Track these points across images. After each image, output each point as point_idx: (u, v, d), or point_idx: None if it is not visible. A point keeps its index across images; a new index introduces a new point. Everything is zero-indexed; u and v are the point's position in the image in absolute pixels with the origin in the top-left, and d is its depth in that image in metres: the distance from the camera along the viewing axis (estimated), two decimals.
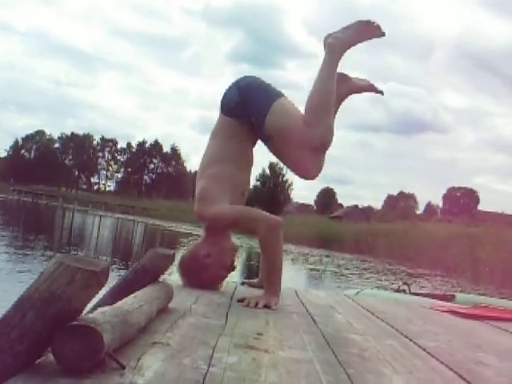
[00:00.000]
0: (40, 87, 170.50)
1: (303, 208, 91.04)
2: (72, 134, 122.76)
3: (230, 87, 3.54)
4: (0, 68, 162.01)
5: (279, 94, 3.47)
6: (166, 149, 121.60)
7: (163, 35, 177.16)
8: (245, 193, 3.55)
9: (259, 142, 3.57)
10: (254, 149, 3.61)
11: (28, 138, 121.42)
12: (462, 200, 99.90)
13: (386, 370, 1.81)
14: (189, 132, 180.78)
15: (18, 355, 1.27)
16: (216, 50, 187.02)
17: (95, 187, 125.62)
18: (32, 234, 19.27)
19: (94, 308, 1.88)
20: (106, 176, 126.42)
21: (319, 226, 42.82)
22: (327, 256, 27.72)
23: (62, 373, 1.28)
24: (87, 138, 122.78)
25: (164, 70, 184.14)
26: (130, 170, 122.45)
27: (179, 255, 3.35)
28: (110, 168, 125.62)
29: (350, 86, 3.69)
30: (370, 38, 3.51)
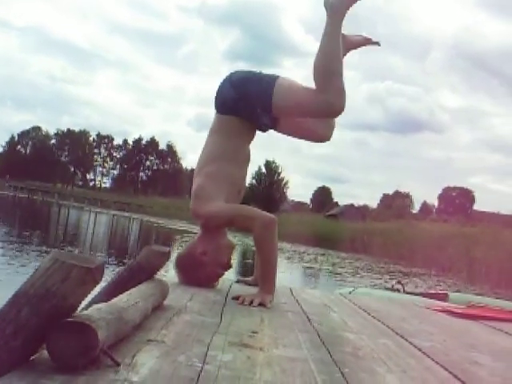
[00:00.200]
0: (36, 83, 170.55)
1: (299, 206, 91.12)
2: (68, 130, 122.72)
3: (222, 85, 3.51)
4: None
5: (275, 76, 3.45)
6: (163, 146, 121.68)
7: (160, 32, 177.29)
8: (241, 191, 3.56)
9: (258, 137, 3.57)
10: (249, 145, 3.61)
11: (24, 134, 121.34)
12: (457, 200, 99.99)
13: (380, 368, 1.81)
14: (185, 129, 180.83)
15: (13, 351, 1.26)
16: (213, 48, 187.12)
17: (91, 184, 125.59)
18: (27, 230, 19.24)
19: (89, 305, 1.88)
20: (102, 173, 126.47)
21: (315, 224, 42.89)
22: (322, 254, 27.73)
23: (56, 369, 1.28)
24: (83, 134, 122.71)
25: (161, 67, 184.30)
26: (126, 166, 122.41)
27: (175, 253, 3.35)
28: (105, 165, 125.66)
29: (346, 44, 3.65)
30: None
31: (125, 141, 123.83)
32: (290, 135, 3.72)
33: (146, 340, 1.71)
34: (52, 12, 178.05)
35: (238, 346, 1.85)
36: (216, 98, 3.53)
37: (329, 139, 3.75)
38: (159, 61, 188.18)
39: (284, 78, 3.46)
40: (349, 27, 3.54)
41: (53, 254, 1.32)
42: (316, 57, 3.37)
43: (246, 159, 3.61)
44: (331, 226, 42.77)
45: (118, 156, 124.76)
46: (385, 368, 1.83)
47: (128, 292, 1.97)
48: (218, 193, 3.31)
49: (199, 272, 3.32)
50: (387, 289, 6.44)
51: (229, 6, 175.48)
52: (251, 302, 2.91)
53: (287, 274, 14.90)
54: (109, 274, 2.38)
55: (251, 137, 3.56)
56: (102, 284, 2.23)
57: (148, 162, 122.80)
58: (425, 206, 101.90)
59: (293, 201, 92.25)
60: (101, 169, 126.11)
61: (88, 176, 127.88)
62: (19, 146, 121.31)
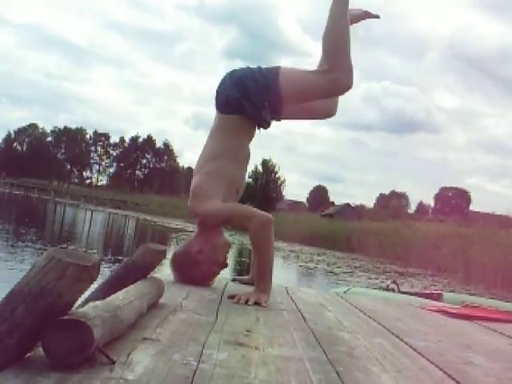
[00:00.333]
0: (33, 80, 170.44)
1: (295, 205, 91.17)
2: (65, 127, 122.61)
3: (222, 85, 3.50)
4: None
5: (276, 67, 3.46)
6: (159, 144, 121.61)
7: (157, 30, 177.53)
8: (240, 190, 3.55)
9: (255, 135, 3.58)
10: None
11: (20, 131, 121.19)
12: (453, 200, 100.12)
13: (375, 368, 1.81)
14: (182, 127, 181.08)
15: (8, 349, 1.26)
16: (210, 46, 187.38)
17: (87, 181, 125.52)
18: (23, 227, 19.23)
19: (85, 302, 1.88)
20: (99, 170, 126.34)
21: (311, 223, 42.93)
22: (318, 254, 27.75)
23: (51, 367, 1.28)
24: (80, 131, 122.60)
25: (158, 65, 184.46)
26: (122, 164, 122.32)
27: (170, 251, 3.35)
28: (102, 162, 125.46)
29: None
30: None
31: (121, 138, 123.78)
32: (296, 119, 3.75)
33: (141, 338, 1.71)
34: (49, 9, 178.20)
35: (234, 344, 1.85)
36: (217, 97, 3.52)
37: (335, 114, 3.82)
38: (156, 59, 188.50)
39: (284, 67, 3.47)
40: None
41: (49, 252, 1.32)
42: (324, 35, 3.38)
43: (246, 158, 3.61)
44: (327, 226, 42.80)
45: (115, 154, 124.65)
46: (380, 367, 1.83)
47: (124, 290, 1.97)
48: (216, 191, 3.30)
49: (195, 270, 3.32)
50: (382, 288, 6.45)
51: (226, 5, 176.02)
52: (247, 301, 2.91)
53: (283, 272, 14.92)
54: (105, 272, 2.38)
55: (252, 135, 3.56)
56: (98, 282, 2.23)
57: (144, 160, 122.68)
58: (421, 206, 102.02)
59: (289, 200, 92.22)
60: (97, 166, 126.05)
61: (84, 174, 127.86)
62: (15, 144, 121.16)
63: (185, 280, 3.32)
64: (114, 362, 1.39)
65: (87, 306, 1.49)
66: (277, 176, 69.70)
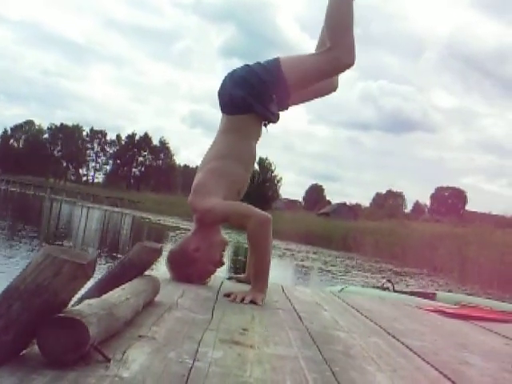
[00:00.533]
0: (30, 77, 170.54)
1: (291, 204, 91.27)
2: (61, 124, 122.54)
3: (224, 86, 3.50)
4: None
5: (276, 58, 3.47)
6: (156, 142, 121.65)
7: (155, 28, 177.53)
8: (241, 191, 3.53)
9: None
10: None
11: (17, 128, 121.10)
12: (450, 200, 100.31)
13: (370, 367, 1.81)
14: (179, 126, 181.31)
15: (3, 346, 1.26)
16: (207, 44, 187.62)
17: (84, 179, 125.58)
18: (19, 224, 19.21)
19: (81, 300, 1.88)
20: (95, 168, 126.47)
21: (307, 222, 42.95)
22: (314, 253, 27.76)
23: (46, 364, 1.28)
24: (76, 129, 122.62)
25: (155, 63, 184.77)
26: (118, 162, 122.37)
27: (166, 249, 3.35)
28: (98, 160, 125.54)
29: None
30: None
31: (118, 136, 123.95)
32: (301, 102, 3.76)
33: (136, 336, 1.71)
34: (47, 6, 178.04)
35: (229, 343, 1.84)
36: (220, 99, 3.52)
37: (337, 88, 3.86)
38: (153, 56, 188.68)
39: (283, 56, 3.48)
40: None
41: (44, 249, 1.32)
42: (327, 11, 3.39)
43: (252, 160, 3.60)
44: (323, 225, 42.85)
45: (111, 151, 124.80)
46: (375, 367, 1.83)
47: (119, 288, 1.96)
48: (217, 189, 3.30)
49: (191, 268, 3.31)
50: (377, 287, 6.46)
51: (224, 3, 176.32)
52: (243, 300, 2.90)
53: (279, 271, 14.92)
54: (100, 270, 2.37)
55: (259, 134, 3.56)
56: (94, 279, 2.23)
57: (141, 158, 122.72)
58: (417, 206, 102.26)
59: (286, 199, 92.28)
60: (94, 164, 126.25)
61: (81, 171, 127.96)
62: (12, 140, 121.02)
63: (181, 278, 3.32)
64: (109, 360, 1.39)
65: (83, 304, 1.49)
66: (273, 175, 69.75)
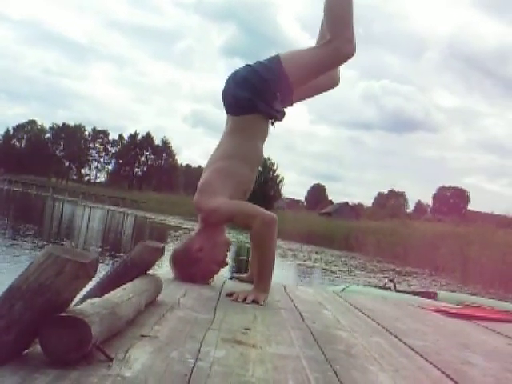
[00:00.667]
0: (31, 76, 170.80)
1: (293, 204, 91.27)
2: (63, 124, 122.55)
3: (228, 88, 3.49)
4: None
5: (276, 55, 3.46)
6: (158, 141, 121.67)
7: (156, 28, 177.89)
8: (247, 192, 3.52)
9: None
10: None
11: (19, 128, 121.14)
12: (452, 199, 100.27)
13: (372, 367, 1.81)
14: (181, 125, 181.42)
15: (5, 346, 1.26)
16: (209, 44, 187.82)
17: (86, 178, 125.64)
18: (21, 224, 19.22)
19: (83, 299, 1.88)
20: (97, 167, 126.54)
21: (309, 222, 42.91)
22: (316, 252, 27.76)
23: (49, 364, 1.28)
24: (78, 128, 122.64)
25: (157, 63, 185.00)
26: (121, 161, 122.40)
27: (168, 248, 3.35)
28: (101, 159, 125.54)
29: None
30: None
31: (120, 136, 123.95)
32: (304, 99, 3.76)
33: (139, 335, 1.71)
34: (48, 5, 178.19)
35: (231, 342, 1.84)
36: (225, 101, 3.52)
37: (339, 83, 3.86)
38: (155, 56, 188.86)
39: (283, 53, 3.48)
40: None
41: (47, 249, 1.32)
42: (325, 4, 3.39)
43: (258, 161, 3.60)
44: (325, 224, 42.80)
45: (113, 151, 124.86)
46: (377, 367, 1.83)
47: (122, 287, 1.97)
48: (223, 189, 3.29)
49: (194, 268, 3.31)
50: (379, 287, 6.46)
51: (225, 2, 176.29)
52: (245, 299, 2.90)
53: (281, 271, 14.91)
54: (103, 269, 2.37)
55: (265, 134, 3.56)
56: (96, 279, 2.23)
57: (143, 158, 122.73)
58: (419, 206, 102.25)
59: (288, 198, 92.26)
60: (96, 163, 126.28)
61: (83, 170, 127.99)
62: (14, 140, 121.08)
63: (184, 277, 3.32)
64: (111, 359, 1.39)
65: (85, 303, 1.49)
66: (275, 174, 69.69)
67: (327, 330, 2.43)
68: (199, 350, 1.65)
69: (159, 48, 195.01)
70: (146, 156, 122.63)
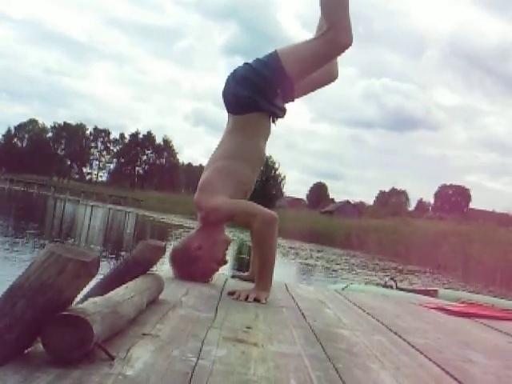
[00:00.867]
0: (32, 75, 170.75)
1: (295, 202, 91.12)
2: (65, 123, 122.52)
3: (227, 86, 3.50)
4: None
5: (274, 52, 3.45)
6: (159, 140, 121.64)
7: (157, 26, 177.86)
8: (248, 192, 3.52)
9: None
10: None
11: (20, 127, 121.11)
12: (453, 198, 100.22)
13: (374, 365, 1.81)
14: (182, 124, 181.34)
15: (7, 344, 1.27)
16: (210, 42, 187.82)
17: (87, 177, 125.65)
18: (23, 222, 19.23)
19: (85, 298, 1.88)
20: (99, 166, 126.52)
21: (310, 220, 42.89)
22: (318, 251, 27.75)
23: (51, 362, 1.28)
24: (80, 127, 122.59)
25: (157, 61, 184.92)
26: (122, 160, 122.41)
27: (170, 247, 3.35)
28: (102, 158, 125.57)
29: None
30: None
31: (121, 135, 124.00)
32: (304, 95, 3.75)
33: (140, 334, 1.72)
34: (49, 4, 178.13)
35: (233, 341, 1.85)
36: (225, 100, 3.51)
37: (337, 77, 3.84)
38: (156, 55, 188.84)
39: (280, 48, 3.46)
40: None
41: (49, 248, 1.32)
42: None
43: (260, 161, 3.59)
44: (327, 223, 42.79)
45: (115, 150, 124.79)
46: (379, 365, 1.83)
47: (124, 286, 1.97)
48: (223, 188, 3.29)
49: (193, 266, 3.31)
50: (380, 285, 6.46)
51: (226, 1, 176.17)
52: (246, 298, 2.91)
53: (282, 269, 14.91)
54: (104, 268, 2.37)
55: (267, 132, 3.55)
56: (98, 277, 2.23)
57: (144, 157, 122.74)
58: (421, 204, 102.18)
59: (289, 197, 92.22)
60: (97, 162, 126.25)
61: (84, 169, 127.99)
62: (15, 139, 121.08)
63: (183, 276, 3.32)
64: (113, 358, 1.39)
65: (87, 302, 1.49)
66: (277, 173, 69.65)
67: (329, 329, 2.43)
68: (201, 349, 1.65)
69: (160, 46, 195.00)
70: (148, 155, 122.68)
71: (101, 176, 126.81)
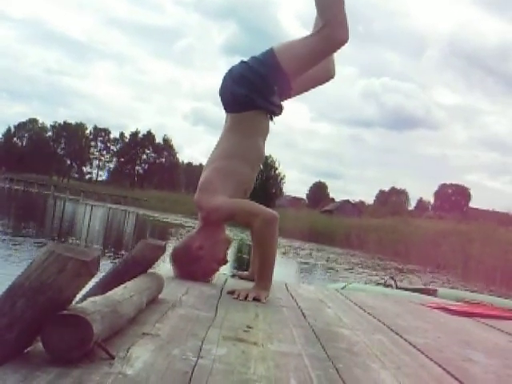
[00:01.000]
0: (33, 75, 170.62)
1: (295, 201, 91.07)
2: (64, 122, 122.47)
3: (224, 85, 3.49)
4: None
5: (270, 49, 3.44)
6: (159, 139, 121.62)
7: (157, 26, 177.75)
8: (247, 191, 3.52)
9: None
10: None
11: (20, 126, 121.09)
12: (453, 197, 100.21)
13: (374, 365, 1.81)
14: (181, 123, 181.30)
15: (7, 344, 1.26)
16: (209, 42, 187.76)
17: (87, 177, 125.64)
18: (23, 222, 19.23)
19: (85, 298, 1.88)
20: (99, 166, 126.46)
21: (310, 219, 42.84)
22: (318, 250, 27.74)
23: (50, 362, 1.28)
24: (80, 127, 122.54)
25: (157, 61, 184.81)
26: (122, 160, 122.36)
27: (170, 246, 3.35)
28: (102, 158, 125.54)
29: None
30: None
31: (121, 134, 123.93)
32: (301, 93, 3.75)
33: (140, 333, 1.71)
34: (49, 4, 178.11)
35: (233, 340, 1.85)
36: (222, 99, 3.51)
37: (334, 75, 3.84)
38: (156, 54, 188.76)
39: (276, 46, 3.46)
40: None
41: (49, 247, 1.32)
42: None
43: (259, 160, 3.59)
44: (327, 222, 42.75)
45: (115, 149, 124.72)
46: (379, 364, 1.83)
47: (123, 285, 1.97)
48: (223, 187, 3.29)
49: (195, 266, 3.31)
50: (379, 284, 6.47)
51: (225, 0, 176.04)
52: (246, 297, 2.90)
53: (282, 268, 14.90)
54: (104, 267, 2.37)
55: (266, 130, 3.54)
56: (98, 277, 2.23)
57: (144, 156, 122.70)
58: (421, 203, 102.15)
59: (289, 196, 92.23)
60: (97, 162, 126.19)
61: (84, 169, 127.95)
62: (15, 139, 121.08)
63: (184, 275, 3.32)
64: (113, 357, 1.39)
65: (87, 301, 1.49)
66: (277, 172, 69.60)
67: (329, 328, 2.43)
68: (201, 348, 1.65)
69: (160, 46, 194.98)
70: (147, 154, 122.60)
71: (101, 175, 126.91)
